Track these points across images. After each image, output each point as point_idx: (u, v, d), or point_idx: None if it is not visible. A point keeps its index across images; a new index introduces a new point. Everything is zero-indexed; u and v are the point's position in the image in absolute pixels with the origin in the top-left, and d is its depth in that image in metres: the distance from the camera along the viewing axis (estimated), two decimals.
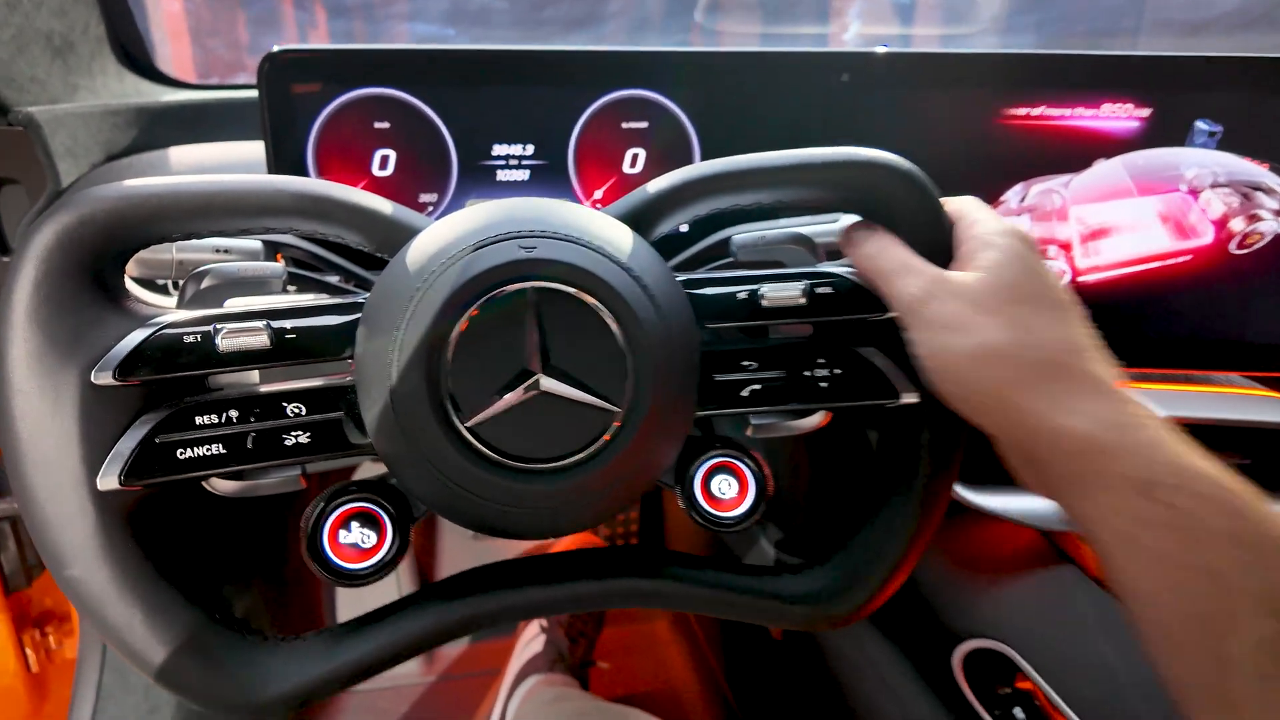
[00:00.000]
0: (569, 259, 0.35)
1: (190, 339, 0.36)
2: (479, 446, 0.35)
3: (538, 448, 0.36)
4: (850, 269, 0.41)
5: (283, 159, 0.56)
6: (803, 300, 0.40)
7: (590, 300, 0.35)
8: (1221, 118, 0.59)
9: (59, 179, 0.65)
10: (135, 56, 0.78)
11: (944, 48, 0.59)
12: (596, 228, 0.37)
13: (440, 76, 0.56)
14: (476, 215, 0.37)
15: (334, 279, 0.54)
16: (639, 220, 0.40)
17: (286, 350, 0.37)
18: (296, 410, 0.37)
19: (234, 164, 0.69)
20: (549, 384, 0.35)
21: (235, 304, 0.40)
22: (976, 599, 0.68)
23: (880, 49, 0.59)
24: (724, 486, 0.41)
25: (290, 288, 0.47)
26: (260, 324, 0.36)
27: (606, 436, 0.36)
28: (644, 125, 0.59)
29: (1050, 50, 0.60)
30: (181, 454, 0.35)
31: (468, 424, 0.35)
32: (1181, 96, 0.59)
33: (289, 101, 0.55)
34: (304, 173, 0.56)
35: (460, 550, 1.37)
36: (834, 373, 0.41)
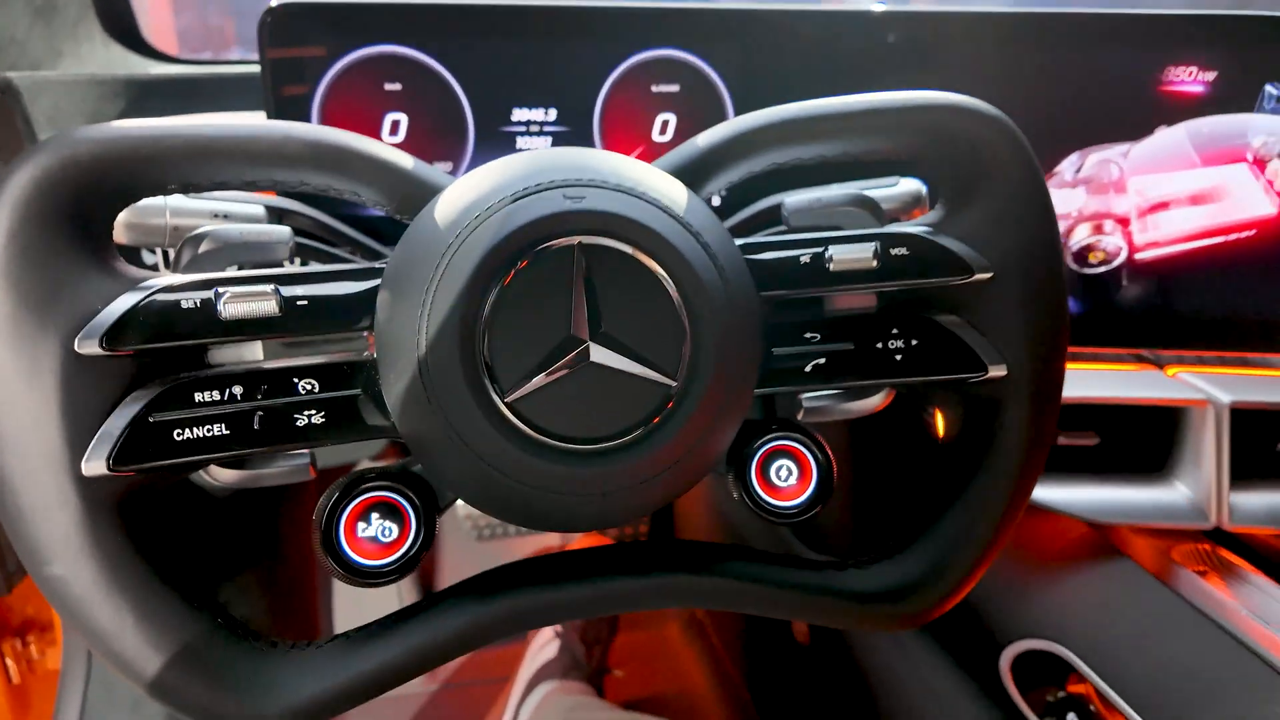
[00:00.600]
0: (624, 211, 0.31)
1: (189, 304, 0.31)
2: (519, 425, 0.31)
3: (585, 426, 0.31)
4: (926, 227, 0.37)
5: None
6: (874, 264, 0.36)
7: (646, 260, 0.31)
8: None
9: None
10: (123, 26, 0.73)
11: None
12: (651, 179, 0.33)
13: (456, 33, 0.52)
14: (513, 164, 0.33)
15: (344, 252, 0.49)
16: (689, 176, 0.36)
17: (297, 319, 0.32)
18: (309, 386, 0.33)
19: None
20: (599, 354, 0.31)
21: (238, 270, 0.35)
22: (1025, 597, 0.64)
23: (878, 7, 0.55)
24: (783, 473, 0.37)
25: (296, 259, 0.42)
26: (268, 288, 0.32)
27: (660, 415, 0.32)
28: (675, 89, 0.55)
29: (1108, 10, 0.56)
30: (179, 435, 0.31)
31: (507, 399, 0.30)
32: (1250, 58, 0.55)
33: (292, 60, 0.50)
34: None
35: (464, 554, 1.32)
36: (910, 344, 0.37)
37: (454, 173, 0.55)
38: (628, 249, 0.31)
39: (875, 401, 0.43)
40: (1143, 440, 0.65)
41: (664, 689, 1.21)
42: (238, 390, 0.32)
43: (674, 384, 0.32)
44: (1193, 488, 0.62)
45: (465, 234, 0.30)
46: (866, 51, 0.55)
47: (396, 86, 0.52)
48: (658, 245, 0.31)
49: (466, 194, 0.32)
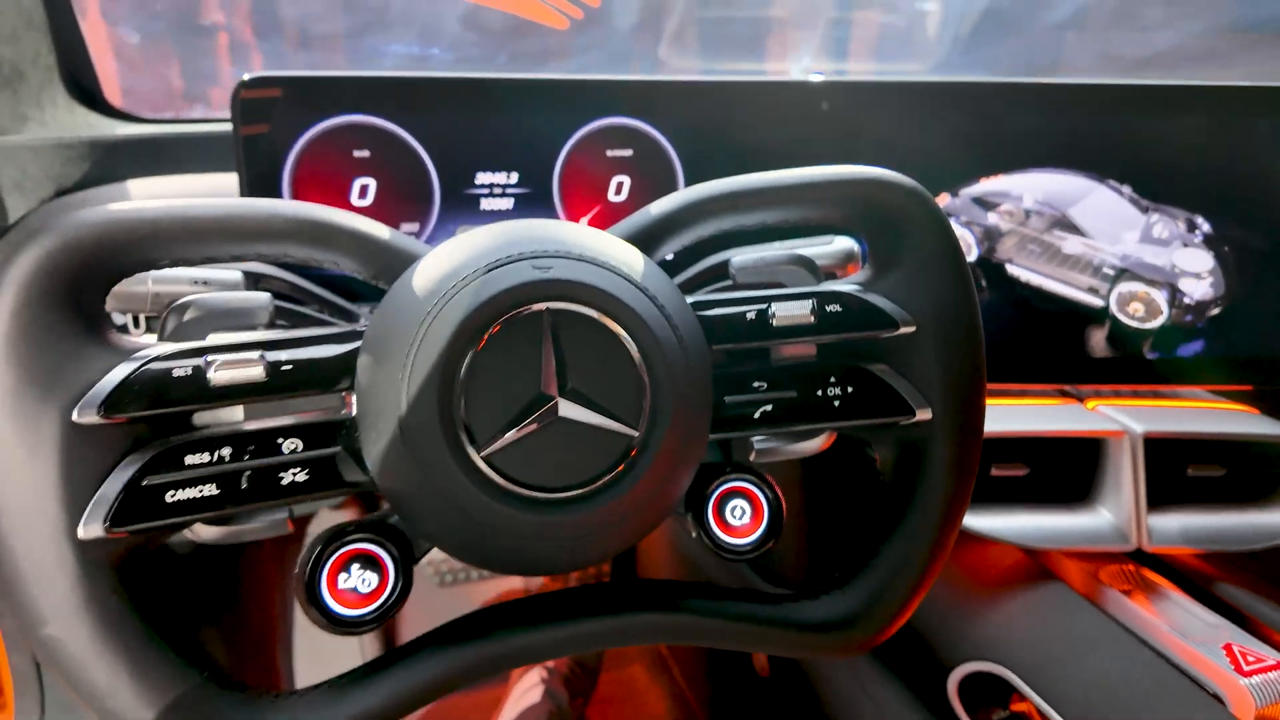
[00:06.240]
0: (588, 279, 0.34)
1: (181, 372, 0.33)
2: (494, 477, 0.33)
3: (556, 476, 0.34)
4: (857, 286, 0.41)
5: (257, 190, 0.54)
6: (812, 319, 0.40)
7: (609, 322, 0.34)
8: None
9: (5, 213, 0.62)
10: (87, 89, 0.75)
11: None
12: (610, 248, 0.36)
13: (421, 104, 0.55)
14: (484, 237, 0.36)
15: (314, 310, 0.52)
16: (643, 242, 0.40)
17: (283, 383, 0.35)
18: (293, 446, 0.35)
19: (202, 196, 0.66)
20: (567, 408, 0.34)
21: (223, 336, 0.37)
22: (969, 621, 0.68)
23: (815, 77, 0.60)
24: (737, 512, 0.40)
25: (280, 321, 0.44)
26: (255, 355, 0.34)
27: (624, 463, 0.35)
28: (629, 153, 0.59)
29: (1016, 79, 0.62)
30: (171, 497, 0.33)
31: (483, 454, 0.33)
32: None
33: (264, 130, 0.53)
34: None
35: (427, 600, 1.31)
36: (846, 391, 0.40)
37: (420, 233, 0.58)
38: (592, 313, 0.34)
39: (819, 443, 0.47)
40: (1068, 469, 0.70)
41: None
42: (226, 452, 0.34)
43: (636, 433, 0.35)
44: (1114, 512, 0.67)
45: (443, 302, 0.33)
46: (802, 118, 0.60)
47: (365, 153, 0.55)
48: (618, 309, 0.34)
49: (442, 264, 0.35)
